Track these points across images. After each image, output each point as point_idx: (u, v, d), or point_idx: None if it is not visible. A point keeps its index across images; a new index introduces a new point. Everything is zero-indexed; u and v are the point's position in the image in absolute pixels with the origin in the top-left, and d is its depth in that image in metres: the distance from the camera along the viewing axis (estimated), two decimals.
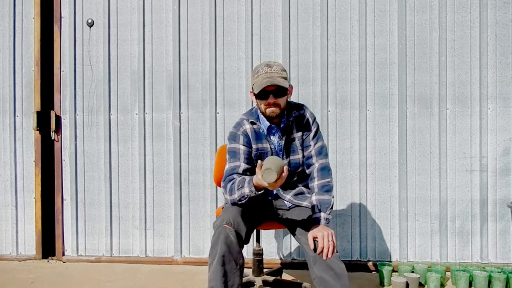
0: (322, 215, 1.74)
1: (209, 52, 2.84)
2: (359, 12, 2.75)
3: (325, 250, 1.61)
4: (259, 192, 1.65)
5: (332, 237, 1.64)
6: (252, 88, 1.83)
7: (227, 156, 1.88)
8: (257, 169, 1.58)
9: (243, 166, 1.82)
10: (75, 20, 2.94)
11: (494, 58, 2.68)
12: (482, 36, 2.68)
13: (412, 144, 2.73)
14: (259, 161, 1.59)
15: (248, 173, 1.84)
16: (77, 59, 2.94)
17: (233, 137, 1.89)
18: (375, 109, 2.75)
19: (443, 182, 2.71)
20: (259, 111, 1.91)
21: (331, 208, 1.79)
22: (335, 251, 1.64)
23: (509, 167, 2.68)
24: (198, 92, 2.86)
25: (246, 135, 1.88)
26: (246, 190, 1.66)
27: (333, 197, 1.82)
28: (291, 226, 1.90)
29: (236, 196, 1.71)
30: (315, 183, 1.83)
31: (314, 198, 1.80)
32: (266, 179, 1.51)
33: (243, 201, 1.71)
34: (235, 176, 1.78)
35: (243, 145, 1.85)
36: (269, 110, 1.81)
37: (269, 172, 1.50)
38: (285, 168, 1.54)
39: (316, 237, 1.64)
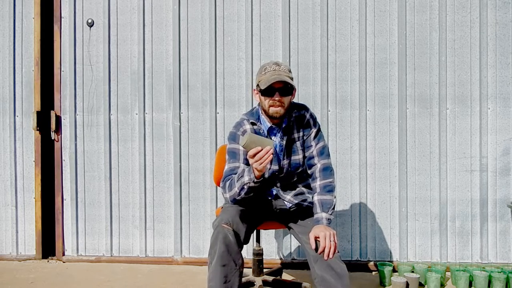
0: (324, 215, 1.74)
1: (209, 52, 2.84)
2: (359, 12, 2.75)
3: (326, 250, 1.60)
4: (259, 181, 1.65)
5: (334, 237, 1.63)
6: (258, 85, 1.82)
7: (227, 157, 1.88)
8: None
9: (242, 166, 1.81)
10: (75, 20, 2.94)
11: (494, 58, 2.68)
12: (482, 36, 2.68)
13: (412, 144, 2.73)
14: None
15: None
16: (77, 59, 2.94)
17: (232, 138, 1.89)
18: (375, 109, 2.75)
19: (443, 182, 2.71)
20: (260, 111, 1.90)
21: (333, 208, 1.78)
22: (337, 251, 1.64)
23: (509, 167, 2.68)
24: (198, 92, 2.86)
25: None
26: (246, 179, 1.66)
27: (335, 197, 1.81)
28: (292, 226, 1.90)
29: (236, 188, 1.71)
30: (317, 183, 1.83)
31: (316, 198, 1.79)
32: (240, 141, 1.62)
33: (242, 194, 1.70)
34: (234, 176, 1.78)
35: None
36: (272, 110, 1.79)
37: (243, 137, 1.60)
38: (268, 149, 1.56)
39: (318, 237, 1.64)
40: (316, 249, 1.64)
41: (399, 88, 2.73)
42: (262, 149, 1.56)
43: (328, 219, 1.74)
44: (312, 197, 1.84)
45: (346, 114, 2.77)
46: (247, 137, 1.57)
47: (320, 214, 1.75)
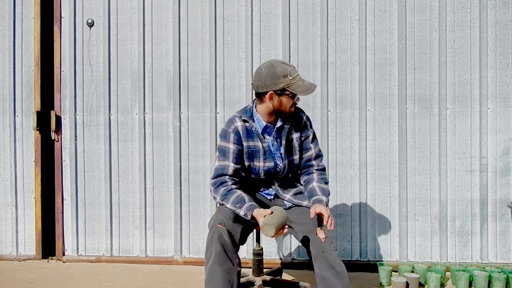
0: (324, 198, 1.81)
1: (209, 52, 2.84)
2: (359, 12, 2.75)
3: (329, 221, 1.67)
4: (253, 221, 1.73)
5: (332, 219, 1.71)
6: (285, 88, 1.76)
7: (217, 153, 1.89)
8: (264, 213, 1.65)
9: (232, 166, 1.83)
10: (75, 20, 2.94)
11: (494, 58, 2.68)
12: (482, 36, 2.68)
13: (412, 144, 2.73)
14: (268, 210, 1.66)
15: (241, 173, 1.88)
16: (77, 59, 2.94)
17: (224, 135, 1.89)
18: (375, 109, 2.75)
19: (443, 182, 2.71)
20: (254, 110, 1.90)
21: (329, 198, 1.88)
22: (335, 249, 1.65)
23: (509, 167, 2.68)
24: (198, 92, 2.86)
25: (236, 133, 1.86)
26: (241, 213, 1.71)
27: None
28: (292, 225, 1.90)
29: (228, 205, 1.75)
30: (314, 175, 1.93)
31: (315, 184, 1.88)
32: (264, 232, 1.60)
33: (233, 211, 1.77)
34: (226, 178, 1.81)
35: (234, 143, 1.85)
36: (292, 109, 1.87)
37: (268, 228, 1.58)
38: (285, 227, 1.66)
39: (320, 213, 1.70)
40: (320, 223, 1.73)
41: (399, 88, 2.73)
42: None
43: (327, 203, 1.81)
44: (307, 185, 1.92)
45: (346, 114, 2.77)
46: (273, 229, 1.58)
47: (321, 196, 1.82)
